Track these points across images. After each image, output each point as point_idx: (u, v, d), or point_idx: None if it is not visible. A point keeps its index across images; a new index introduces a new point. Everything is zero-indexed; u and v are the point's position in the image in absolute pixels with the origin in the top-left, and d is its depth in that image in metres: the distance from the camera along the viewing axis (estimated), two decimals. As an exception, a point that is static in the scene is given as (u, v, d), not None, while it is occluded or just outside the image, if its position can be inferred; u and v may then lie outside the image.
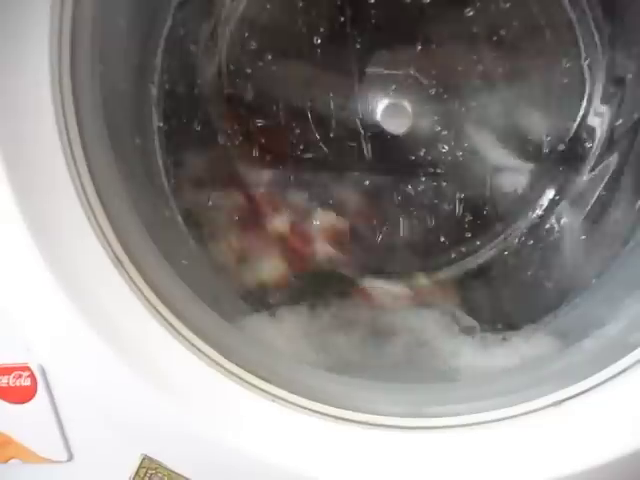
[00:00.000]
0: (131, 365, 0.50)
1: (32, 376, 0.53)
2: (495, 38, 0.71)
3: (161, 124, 0.66)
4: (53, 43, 0.47)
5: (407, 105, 0.77)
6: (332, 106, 0.77)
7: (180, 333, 0.52)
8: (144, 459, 0.55)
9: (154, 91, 0.67)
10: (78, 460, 0.56)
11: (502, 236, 0.78)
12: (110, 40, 0.56)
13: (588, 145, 0.74)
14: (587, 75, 0.72)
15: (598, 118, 0.73)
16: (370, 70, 0.75)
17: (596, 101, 0.72)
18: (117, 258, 0.51)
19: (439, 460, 0.49)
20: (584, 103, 0.73)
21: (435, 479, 0.49)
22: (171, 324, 0.52)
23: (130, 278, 0.51)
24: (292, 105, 0.76)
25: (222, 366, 0.53)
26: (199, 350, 0.52)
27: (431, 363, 0.62)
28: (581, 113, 0.74)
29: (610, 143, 0.73)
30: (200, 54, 0.72)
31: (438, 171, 0.79)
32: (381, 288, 0.79)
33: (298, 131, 0.77)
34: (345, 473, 0.51)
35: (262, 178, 0.80)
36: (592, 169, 0.74)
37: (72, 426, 0.55)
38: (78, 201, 0.49)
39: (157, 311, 0.53)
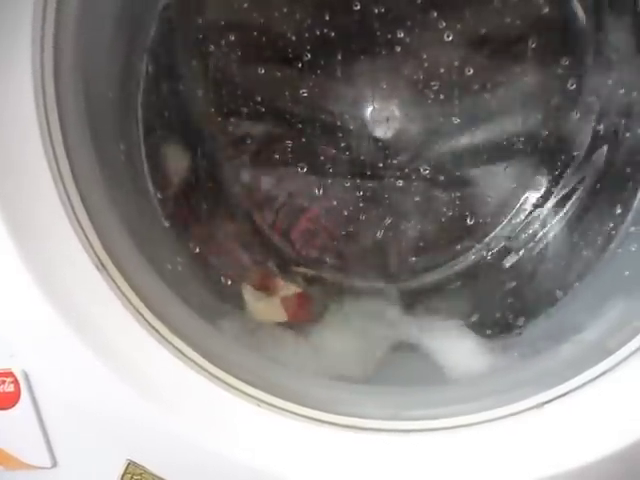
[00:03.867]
0: (115, 370, 0.50)
1: (15, 382, 0.52)
2: (482, 41, 0.71)
3: (145, 129, 0.66)
4: (36, 46, 0.47)
5: (394, 109, 0.77)
6: (317, 110, 0.77)
7: (164, 338, 0.52)
8: (129, 464, 0.55)
9: (139, 96, 0.67)
10: (62, 466, 0.56)
11: (485, 241, 0.79)
12: (94, 44, 0.56)
13: (570, 150, 0.75)
14: (570, 80, 0.72)
15: (580, 122, 0.73)
16: (356, 74, 0.75)
17: (578, 106, 0.73)
18: (100, 262, 0.50)
19: (420, 463, 0.49)
20: (565, 108, 0.74)
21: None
22: (155, 329, 0.52)
23: (114, 282, 0.51)
24: (277, 109, 0.77)
25: (207, 370, 0.53)
26: (184, 355, 0.52)
27: (413, 366, 0.63)
28: (562, 118, 0.74)
29: (591, 148, 0.74)
30: (186, 57, 0.72)
31: (424, 175, 0.79)
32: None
33: (284, 135, 0.78)
34: (329, 477, 0.51)
35: (248, 180, 0.80)
36: (573, 174, 0.75)
37: (56, 432, 0.55)
38: (61, 205, 0.49)
39: (141, 315, 0.52)
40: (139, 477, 0.55)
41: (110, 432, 0.53)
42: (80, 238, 0.50)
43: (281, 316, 0.71)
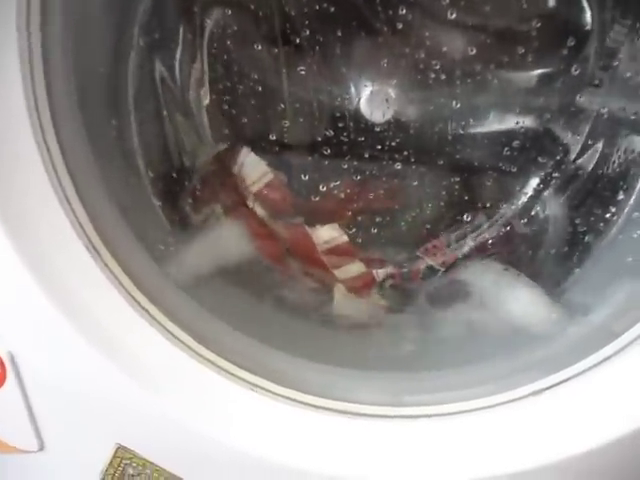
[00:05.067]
0: (105, 352, 0.49)
1: (1, 363, 0.51)
2: (485, 20, 0.70)
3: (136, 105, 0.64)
4: (21, 18, 0.45)
5: (393, 90, 0.76)
6: (314, 89, 0.75)
7: (156, 320, 0.51)
8: (118, 449, 0.54)
9: (131, 70, 0.64)
10: (50, 450, 0.55)
11: (486, 224, 0.78)
12: (84, 18, 0.54)
13: (573, 134, 0.74)
14: (574, 65, 0.71)
15: (584, 106, 0.72)
16: (356, 53, 0.74)
17: (582, 90, 0.71)
18: (90, 243, 0.49)
19: (416, 449, 0.49)
20: (569, 92, 0.72)
21: (414, 468, 0.48)
22: (147, 311, 0.51)
23: (104, 263, 0.50)
24: (273, 87, 0.75)
25: (200, 354, 0.52)
26: (176, 337, 0.51)
27: (410, 351, 0.62)
28: (565, 102, 0.73)
29: (594, 133, 0.73)
30: (180, 32, 0.70)
31: (423, 159, 0.78)
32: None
33: (280, 114, 0.76)
34: (323, 463, 0.50)
35: (240, 161, 0.78)
36: (576, 158, 0.74)
37: (43, 415, 0.53)
38: (50, 184, 0.48)
39: (133, 297, 0.51)
40: (128, 461, 0.54)
41: (99, 415, 0.52)
42: (70, 219, 0.48)
43: (363, 317, 0.73)
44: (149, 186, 0.66)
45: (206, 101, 0.76)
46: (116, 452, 0.54)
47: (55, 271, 0.48)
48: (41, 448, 0.54)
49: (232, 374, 0.51)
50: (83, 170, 0.51)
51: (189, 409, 0.51)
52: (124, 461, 0.54)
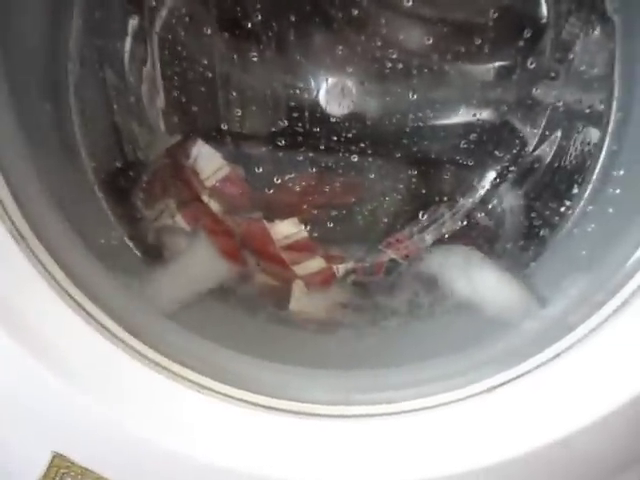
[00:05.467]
0: (37, 354, 0.46)
1: None
2: (442, 9, 0.69)
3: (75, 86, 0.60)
4: None
5: (348, 84, 0.74)
6: (267, 81, 0.73)
7: (92, 316, 0.47)
8: (54, 457, 0.50)
9: (71, 53, 0.61)
10: (-20, 462, 0.51)
11: (447, 216, 0.77)
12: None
13: (528, 128, 0.74)
14: (530, 57, 0.71)
15: (540, 99, 0.72)
16: (311, 42, 0.72)
17: (538, 83, 0.71)
18: (19, 233, 0.45)
19: (372, 449, 0.47)
20: (525, 85, 0.72)
21: (363, 468, 0.47)
22: (82, 306, 0.47)
23: (35, 256, 0.46)
24: (223, 78, 0.72)
25: (141, 353, 0.48)
26: (114, 335, 0.48)
27: (362, 349, 0.60)
28: (522, 95, 0.73)
29: (550, 126, 0.73)
30: (123, 12, 0.67)
31: (380, 151, 0.77)
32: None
33: (232, 103, 0.73)
34: (276, 466, 0.48)
35: (194, 153, 0.75)
36: (533, 151, 0.74)
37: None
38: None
39: (68, 294, 0.48)
40: (66, 470, 0.50)
41: (32, 422, 0.49)
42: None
43: (321, 315, 0.71)
44: (92, 177, 0.62)
45: (161, 105, 0.73)
46: (52, 461, 0.50)
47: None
48: (-31, 459, 0.50)
49: (176, 374, 0.48)
50: (12, 158, 0.47)
51: (130, 413, 0.48)
52: (61, 470, 0.50)
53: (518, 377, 0.45)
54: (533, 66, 0.71)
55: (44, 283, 0.46)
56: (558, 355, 0.45)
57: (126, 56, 0.69)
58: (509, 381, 0.45)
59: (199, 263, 0.68)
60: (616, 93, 0.59)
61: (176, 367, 0.48)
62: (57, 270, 0.47)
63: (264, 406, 0.49)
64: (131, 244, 0.64)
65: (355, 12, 0.68)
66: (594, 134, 0.64)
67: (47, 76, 0.57)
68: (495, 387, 0.45)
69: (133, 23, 0.69)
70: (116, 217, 0.63)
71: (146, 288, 0.57)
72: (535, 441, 0.45)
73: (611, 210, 0.57)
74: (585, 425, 0.43)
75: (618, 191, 0.57)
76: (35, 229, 0.45)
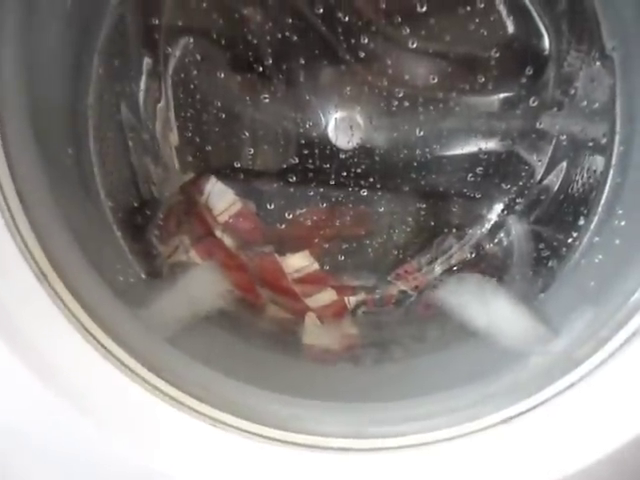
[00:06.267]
0: (56, 390, 0.46)
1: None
2: (446, 49, 0.71)
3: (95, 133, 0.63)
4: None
5: (356, 119, 0.76)
6: (279, 117, 0.75)
7: (111, 353, 0.48)
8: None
9: (91, 99, 0.63)
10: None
11: (455, 247, 0.78)
12: (40, 43, 0.53)
13: (534, 161, 0.75)
14: (534, 89, 0.72)
15: (544, 134, 0.74)
16: (320, 81, 0.74)
17: (544, 113, 0.73)
18: (41, 271, 0.47)
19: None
20: (530, 116, 0.74)
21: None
22: (103, 345, 0.48)
23: (56, 293, 0.47)
24: (236, 118, 0.74)
25: (157, 387, 0.49)
26: (132, 371, 0.49)
27: (374, 382, 0.60)
28: (526, 129, 0.74)
29: (554, 160, 0.74)
30: (141, 59, 0.70)
31: (389, 185, 0.78)
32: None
33: (243, 144, 0.76)
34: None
35: (207, 190, 0.78)
36: (540, 181, 0.75)
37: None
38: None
39: (87, 331, 0.49)
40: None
41: (50, 457, 0.49)
42: (18, 245, 0.46)
43: (334, 347, 0.72)
44: (110, 216, 0.64)
45: (175, 143, 0.75)
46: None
47: (1, 303, 0.45)
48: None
49: (192, 408, 0.49)
50: (36, 200, 0.49)
51: (148, 447, 0.48)
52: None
53: (528, 411, 0.45)
54: (537, 97, 0.72)
55: (63, 319, 0.47)
56: (564, 390, 0.45)
57: (141, 95, 0.72)
58: (518, 415, 0.45)
59: (200, 283, 0.69)
60: (618, 127, 0.60)
61: (192, 401, 0.49)
62: (77, 307, 0.49)
63: (278, 440, 0.49)
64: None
65: (362, 53, 0.70)
66: (600, 162, 0.64)
67: (69, 122, 0.59)
68: (504, 421, 0.46)
69: (148, 62, 0.72)
70: (133, 254, 0.64)
71: (148, 308, 0.58)
72: (554, 472, 0.44)
73: (618, 241, 0.57)
74: (595, 461, 0.42)
75: (623, 223, 0.57)
76: (56, 267, 0.47)
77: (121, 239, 0.64)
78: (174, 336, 0.56)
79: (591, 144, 0.66)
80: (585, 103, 0.68)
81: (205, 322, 0.63)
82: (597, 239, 0.61)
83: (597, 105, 0.65)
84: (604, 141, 0.62)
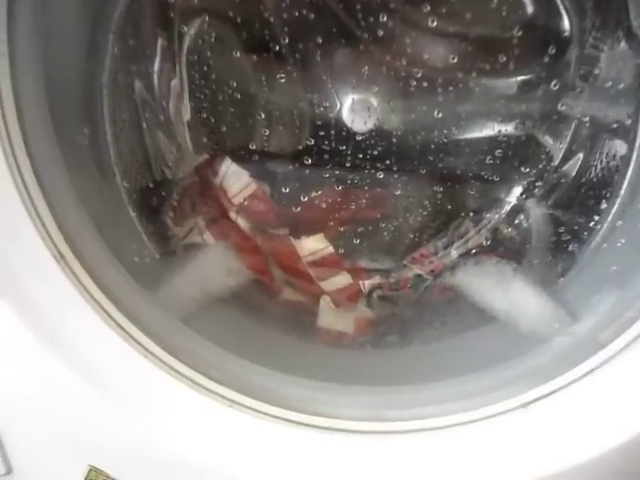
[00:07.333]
0: (76, 371, 0.47)
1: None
2: (467, 28, 0.69)
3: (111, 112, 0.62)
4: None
5: (372, 101, 0.75)
6: (294, 101, 0.74)
7: (129, 334, 0.48)
8: (91, 470, 0.51)
9: (105, 79, 0.63)
10: (18, 474, 0.52)
11: (472, 232, 0.77)
12: (55, 24, 0.52)
13: (555, 143, 0.74)
14: (555, 71, 0.71)
15: (565, 115, 0.72)
16: (336, 61, 0.73)
17: (564, 96, 0.71)
18: (59, 252, 0.47)
19: (403, 464, 0.47)
20: (551, 99, 0.72)
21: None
22: (120, 325, 0.49)
23: (73, 274, 0.47)
24: (251, 98, 0.74)
25: (175, 369, 0.49)
26: (150, 352, 0.49)
27: (394, 365, 0.60)
28: (547, 111, 0.73)
29: (576, 142, 0.72)
30: (156, 39, 0.69)
31: (406, 168, 0.77)
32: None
33: (258, 125, 0.75)
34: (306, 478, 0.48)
35: (222, 172, 0.77)
36: (559, 165, 0.74)
37: (11, 437, 0.51)
38: (16, 190, 0.45)
39: (104, 310, 0.49)
40: (101, 483, 0.51)
41: (70, 436, 0.50)
42: (37, 226, 0.46)
43: (348, 328, 0.72)
44: (125, 197, 0.64)
45: (187, 117, 0.75)
46: (89, 474, 0.51)
47: (22, 284, 0.46)
48: (8, 472, 0.52)
49: (209, 390, 0.49)
50: (54, 181, 0.49)
51: (166, 428, 0.49)
52: (97, 483, 0.51)
53: (549, 394, 0.45)
54: (558, 79, 0.71)
55: (81, 299, 0.47)
56: (588, 373, 0.44)
57: (155, 75, 0.71)
58: (539, 399, 0.45)
59: (213, 263, 0.69)
60: (643, 108, 0.59)
61: (211, 384, 0.49)
62: (94, 287, 0.49)
63: (295, 421, 0.50)
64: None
65: (380, 33, 0.69)
66: (620, 147, 0.63)
67: (84, 101, 0.59)
68: (525, 405, 0.45)
69: (162, 42, 0.71)
70: (148, 235, 0.64)
71: (163, 287, 0.58)
72: (566, 460, 0.44)
73: (641, 225, 0.56)
74: (618, 445, 0.42)
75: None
76: (73, 247, 0.47)
77: (136, 220, 0.64)
78: (189, 317, 0.56)
79: (615, 125, 0.65)
80: (610, 84, 0.66)
81: (220, 304, 0.64)
82: (620, 222, 0.60)
83: (622, 86, 0.64)
84: (629, 122, 0.61)
